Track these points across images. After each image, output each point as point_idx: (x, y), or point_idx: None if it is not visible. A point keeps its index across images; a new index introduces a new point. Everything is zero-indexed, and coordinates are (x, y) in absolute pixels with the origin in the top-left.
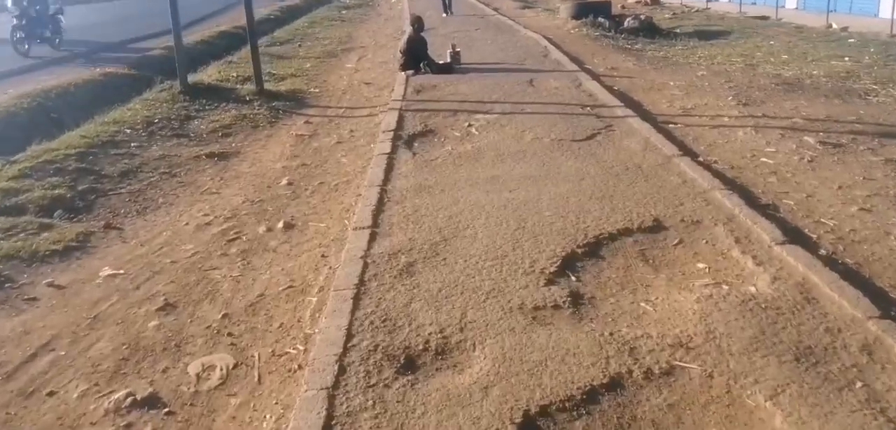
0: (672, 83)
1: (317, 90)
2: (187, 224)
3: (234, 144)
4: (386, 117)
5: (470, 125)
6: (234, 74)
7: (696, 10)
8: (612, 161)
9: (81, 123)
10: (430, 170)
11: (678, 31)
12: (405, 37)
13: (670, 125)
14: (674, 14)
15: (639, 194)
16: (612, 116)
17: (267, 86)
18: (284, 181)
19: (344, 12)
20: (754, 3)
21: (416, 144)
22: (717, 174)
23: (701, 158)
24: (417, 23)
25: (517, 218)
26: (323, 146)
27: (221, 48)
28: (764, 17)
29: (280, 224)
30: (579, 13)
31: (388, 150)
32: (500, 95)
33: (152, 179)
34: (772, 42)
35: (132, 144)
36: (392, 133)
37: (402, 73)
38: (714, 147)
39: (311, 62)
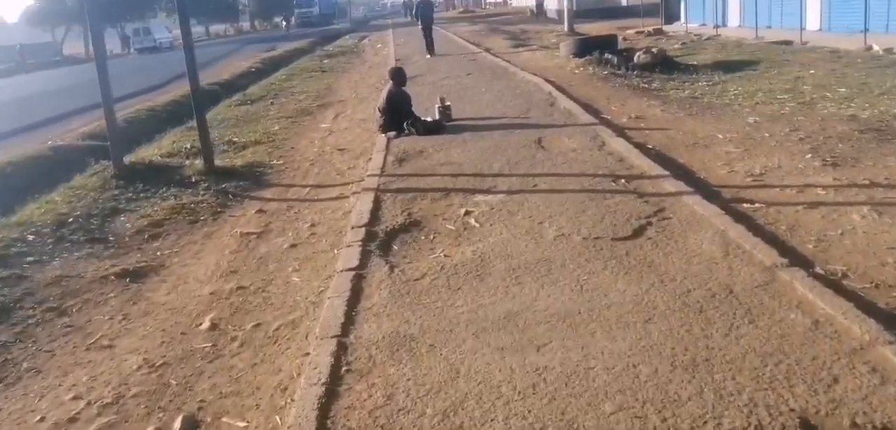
0: (721, 136)
1: (280, 162)
2: (40, 422)
3: (159, 253)
4: (358, 202)
5: (468, 213)
6: (188, 146)
7: (707, 38)
8: (684, 278)
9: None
10: (415, 300)
11: (696, 63)
12: (384, 92)
13: (745, 205)
14: (683, 44)
15: (752, 357)
16: (659, 191)
17: (221, 161)
18: (207, 322)
19: (326, 62)
20: (769, 27)
21: (395, 248)
22: (867, 308)
23: (819, 269)
24: (397, 75)
25: (560, 421)
26: (272, 253)
27: (188, 111)
28: (786, 42)
29: (176, 426)
30: (582, 50)
31: (356, 263)
32: (503, 163)
33: (30, 323)
34: (812, 71)
35: (28, 259)
36: (363, 230)
37: (383, 135)
38: (828, 244)
39: (281, 123)
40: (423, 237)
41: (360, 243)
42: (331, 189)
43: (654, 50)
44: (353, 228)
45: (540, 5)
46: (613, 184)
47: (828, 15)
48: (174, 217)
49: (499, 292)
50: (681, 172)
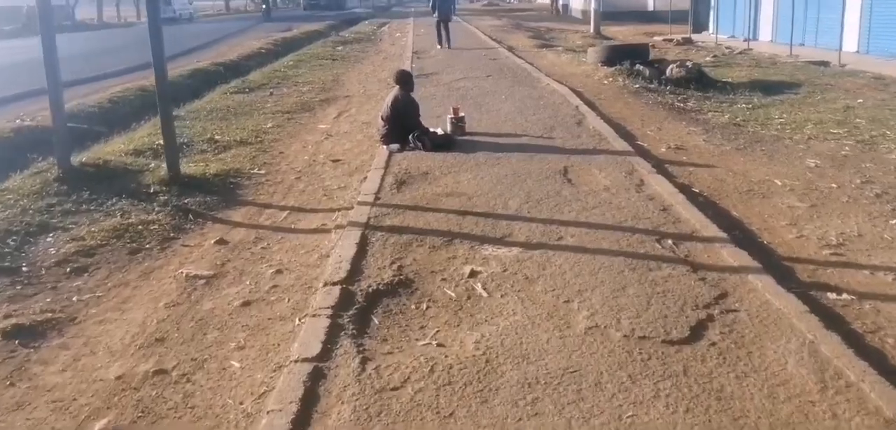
0: (779, 182)
1: (262, 172)
2: None
3: (76, 298)
4: (340, 243)
5: (474, 274)
6: (160, 143)
7: (739, 53)
8: (771, 425)
9: None
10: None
11: (731, 81)
12: (389, 98)
13: (830, 294)
14: (714, 57)
15: None
16: (718, 263)
17: (193, 165)
18: None
19: (339, 49)
20: (803, 45)
21: (374, 323)
22: None
23: None
24: (403, 79)
25: None
26: (217, 313)
27: (187, 94)
28: (823, 63)
29: None
30: (612, 59)
31: (317, 349)
32: (521, 199)
33: None
34: (860, 100)
35: None
36: (338, 290)
37: (385, 147)
38: None
39: (275, 120)
40: (413, 307)
41: (330, 311)
42: (313, 216)
43: (689, 64)
44: (326, 284)
45: (565, 4)
46: (658, 246)
47: (867, 36)
48: (112, 243)
49: (508, 425)
50: (739, 233)
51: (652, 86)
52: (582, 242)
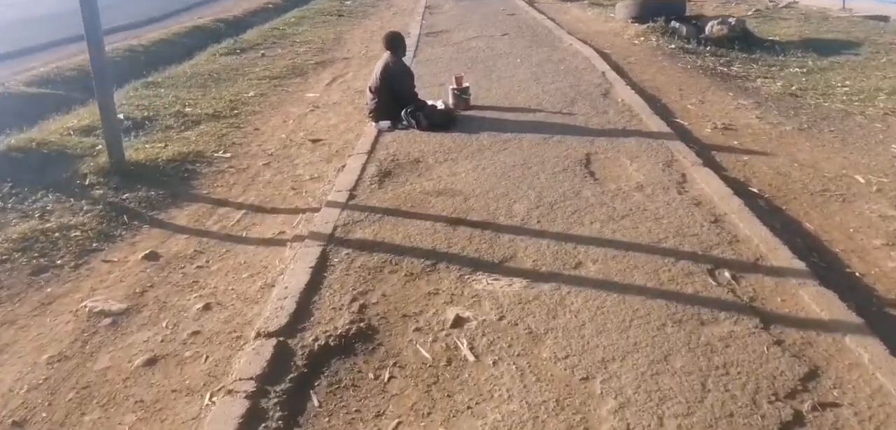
0: (860, 178)
1: (227, 156)
2: None
3: None
4: (290, 270)
5: (459, 325)
6: (121, 117)
7: (784, 5)
8: None
9: None
10: None
11: (778, 38)
12: (379, 66)
13: None
14: (756, 11)
15: None
16: (797, 312)
17: (144, 149)
18: None
19: (348, 2)
20: None
21: (307, 419)
22: None
23: None
24: (394, 43)
25: None
26: (108, 380)
27: (181, 53)
28: (882, 18)
29: None
30: (643, 14)
31: None
32: (530, 200)
33: None
34: None
35: None
36: (271, 350)
37: (373, 124)
38: None
39: (260, 87)
40: (371, 376)
41: (252, 386)
42: (272, 220)
43: (732, 20)
44: (258, 336)
45: None
46: (712, 281)
47: None
48: (14, 258)
49: None
50: (819, 259)
51: (690, 46)
52: (607, 272)
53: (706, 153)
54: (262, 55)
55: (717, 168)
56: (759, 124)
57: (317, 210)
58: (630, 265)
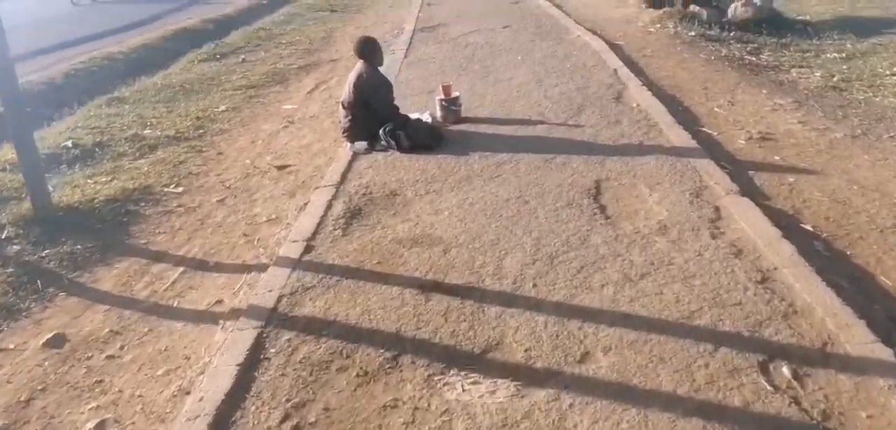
0: None
1: (178, 190)
2: None
3: None
4: (212, 371)
5: None
6: (68, 145)
7: None
8: None
9: None
10: None
11: (809, 18)
12: (352, 76)
13: None
14: None
15: None
16: None
17: (81, 187)
18: None
19: None
20: None
21: None
22: None
23: None
24: (367, 49)
25: None
26: None
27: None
28: None
29: None
30: None
31: None
32: (526, 251)
33: None
34: None
35: None
36: None
37: (347, 145)
38: None
39: (232, 101)
40: None
41: None
42: (214, 280)
43: (757, 1)
44: None
45: None
46: (766, 383)
47: None
48: None
49: None
50: None
51: (712, 32)
52: (624, 368)
53: (742, 175)
54: (243, 60)
55: (758, 196)
56: (802, 131)
57: (266, 267)
58: (654, 357)
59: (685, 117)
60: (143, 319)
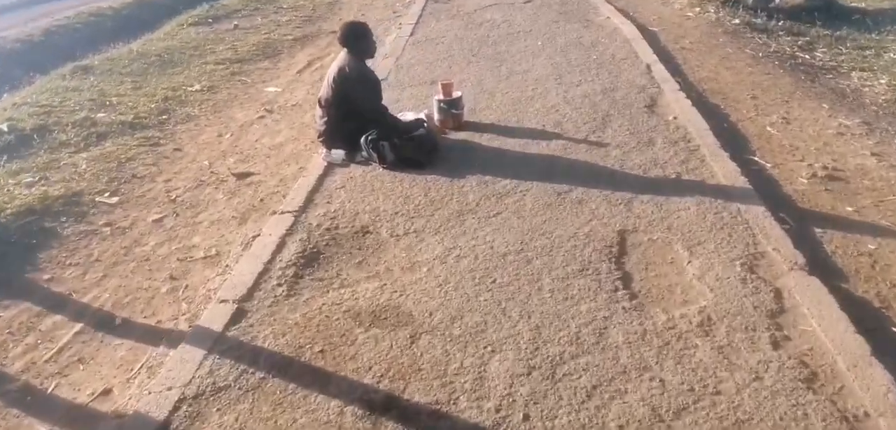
0: None
1: (113, 200)
2: None
3: None
4: None
5: None
6: None
7: None
8: None
9: None
10: None
11: (864, 6)
12: (332, 69)
13: None
14: None
15: None
16: None
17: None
18: None
19: None
20: None
21: None
22: None
23: None
24: (352, 37)
25: None
26: None
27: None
28: None
29: None
30: None
31: None
32: (523, 346)
33: None
34: None
35: None
36: None
37: (323, 152)
38: None
39: (210, 78)
40: None
41: None
42: (114, 350)
43: None
44: None
45: None
46: None
47: None
48: None
49: None
50: None
51: (758, 21)
52: None
53: (807, 235)
54: (235, 26)
55: (832, 274)
56: (878, 169)
57: (181, 338)
58: None
59: (732, 138)
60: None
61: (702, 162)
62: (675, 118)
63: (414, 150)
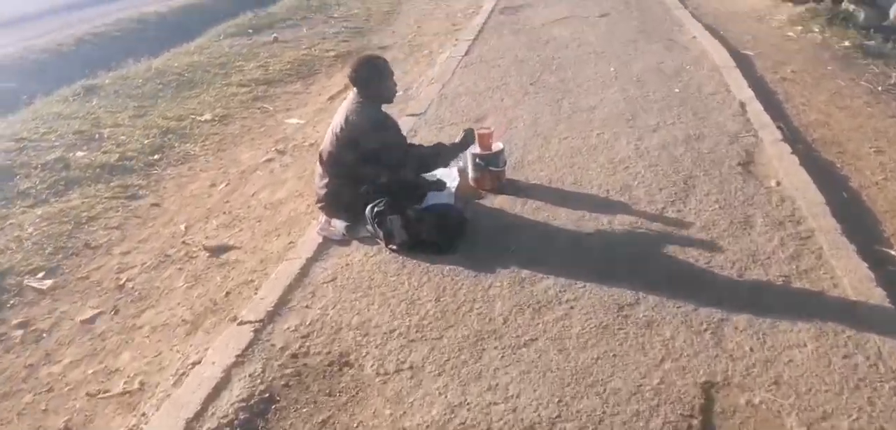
0: None
1: (45, 285)
2: None
3: None
4: None
5: None
6: None
7: None
8: None
9: None
10: None
11: None
12: (337, 117)
13: None
14: None
15: None
16: None
17: None
18: None
19: None
20: None
21: None
22: None
23: None
24: (362, 77)
25: None
26: None
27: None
28: None
29: None
30: None
31: None
32: None
33: None
34: None
35: None
36: None
37: (321, 222)
38: None
39: (224, 104)
40: None
41: None
42: None
43: None
44: None
45: None
46: None
47: None
48: None
49: None
50: None
51: (871, 43)
52: None
53: None
54: (274, 39)
55: None
56: None
57: None
58: None
59: (856, 216)
60: None
61: (818, 259)
62: (778, 184)
63: (432, 230)
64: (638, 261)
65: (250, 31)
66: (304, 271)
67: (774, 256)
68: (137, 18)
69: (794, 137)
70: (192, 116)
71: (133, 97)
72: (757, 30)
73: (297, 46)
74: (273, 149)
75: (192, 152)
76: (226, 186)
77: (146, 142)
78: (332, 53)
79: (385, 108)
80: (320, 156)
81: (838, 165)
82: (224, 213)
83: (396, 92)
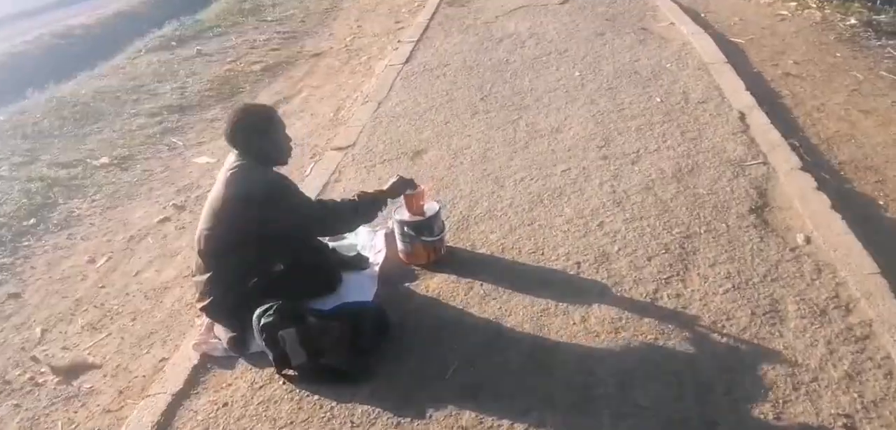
0: None
1: None
2: None
3: None
4: None
5: None
6: None
7: None
8: None
9: None
10: None
11: None
12: (215, 189)
13: None
14: None
15: None
16: None
17: None
18: None
19: None
20: None
21: None
22: None
23: None
24: (245, 134)
25: None
26: None
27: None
28: None
29: None
30: None
31: None
32: None
33: None
34: None
35: None
36: None
37: (201, 332)
38: None
39: (125, 142)
40: None
41: None
42: None
43: None
44: None
45: None
46: None
47: None
48: None
49: None
50: None
51: (881, 17)
52: None
53: None
54: (198, 52)
55: None
56: None
57: None
58: None
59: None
60: None
61: (888, 377)
62: (807, 240)
63: (339, 347)
64: (625, 389)
65: (174, 43)
66: (168, 418)
67: (823, 376)
68: (62, 33)
69: (814, 161)
70: (87, 161)
71: (27, 137)
72: (743, 11)
73: (222, 60)
74: (170, 204)
75: (78, 212)
76: (106, 261)
77: (25, 202)
78: (258, 67)
79: (277, 169)
80: (198, 240)
81: (880, 201)
82: (95, 305)
83: (291, 148)
